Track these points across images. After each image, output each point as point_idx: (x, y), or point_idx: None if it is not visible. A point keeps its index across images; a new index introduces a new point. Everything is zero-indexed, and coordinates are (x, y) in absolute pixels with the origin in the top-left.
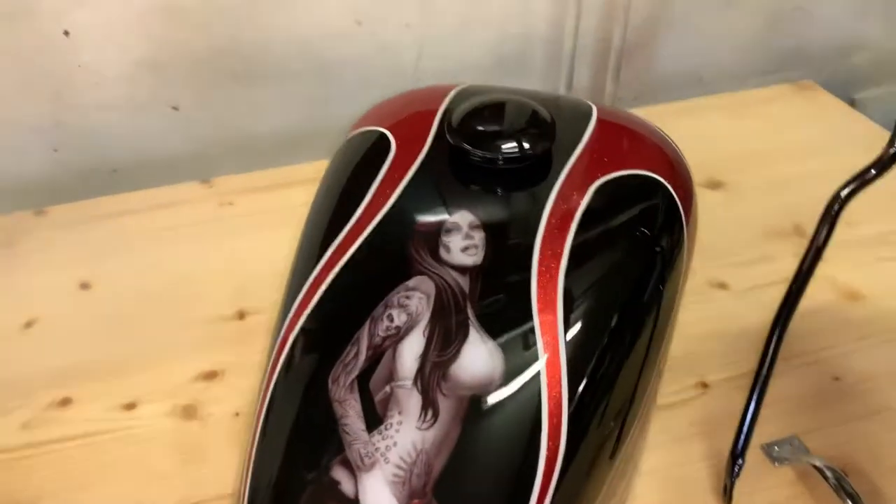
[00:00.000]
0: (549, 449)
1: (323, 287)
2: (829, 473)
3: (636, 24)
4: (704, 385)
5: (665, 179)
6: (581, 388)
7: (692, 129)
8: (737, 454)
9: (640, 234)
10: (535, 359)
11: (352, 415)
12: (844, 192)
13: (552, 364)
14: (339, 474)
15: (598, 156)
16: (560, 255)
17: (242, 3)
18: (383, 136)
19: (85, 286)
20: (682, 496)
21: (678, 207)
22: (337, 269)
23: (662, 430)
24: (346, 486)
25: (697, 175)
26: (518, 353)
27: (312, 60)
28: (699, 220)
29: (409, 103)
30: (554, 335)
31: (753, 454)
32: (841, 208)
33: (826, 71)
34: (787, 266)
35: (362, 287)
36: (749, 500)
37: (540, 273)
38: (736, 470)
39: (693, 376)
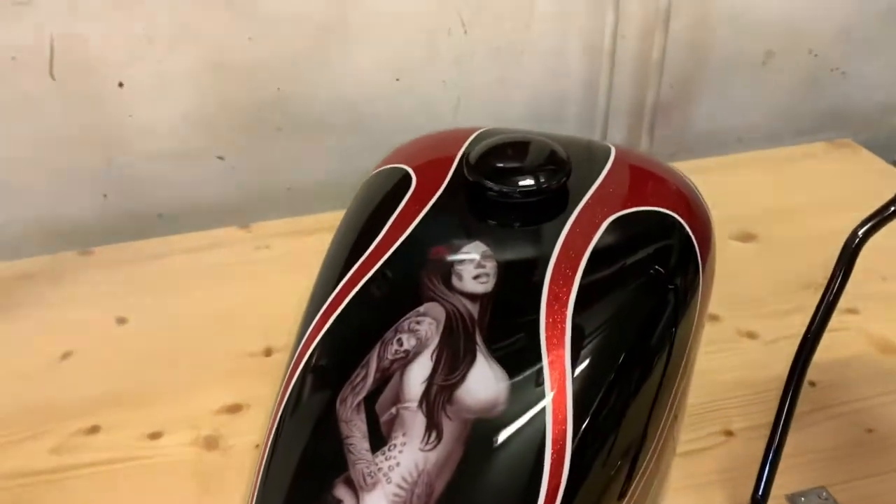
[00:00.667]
0: (551, 476)
1: (336, 312)
2: None
3: (671, 82)
4: (729, 433)
5: (681, 217)
6: (587, 420)
7: (727, 183)
8: (757, 500)
9: (653, 271)
10: (541, 385)
11: (357, 435)
12: (863, 231)
13: (559, 393)
14: (342, 493)
15: (613, 192)
16: (571, 286)
17: (287, 62)
18: (405, 172)
19: (121, 321)
20: None
21: (694, 246)
22: (351, 295)
23: (685, 475)
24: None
25: (730, 227)
26: (523, 379)
27: (352, 114)
28: (730, 271)
29: (432, 143)
30: (561, 365)
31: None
32: (860, 245)
33: (866, 132)
34: None
35: (375, 313)
36: None
37: (549, 303)
38: None
39: (718, 424)
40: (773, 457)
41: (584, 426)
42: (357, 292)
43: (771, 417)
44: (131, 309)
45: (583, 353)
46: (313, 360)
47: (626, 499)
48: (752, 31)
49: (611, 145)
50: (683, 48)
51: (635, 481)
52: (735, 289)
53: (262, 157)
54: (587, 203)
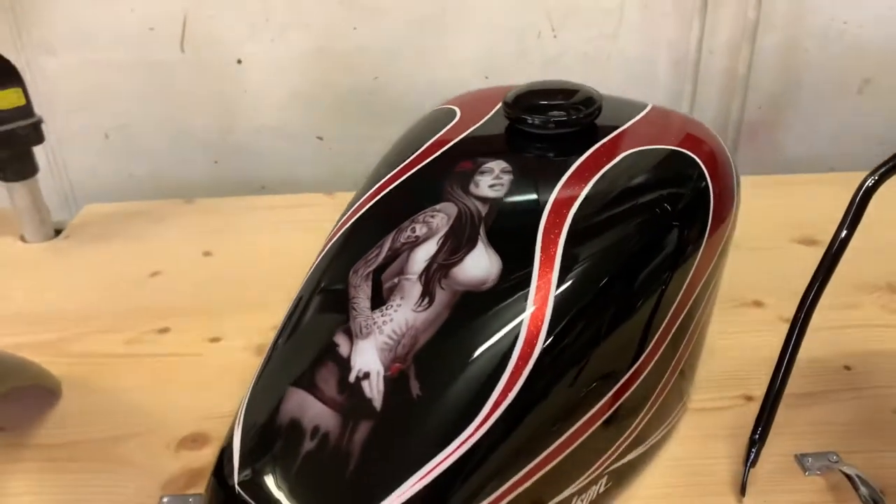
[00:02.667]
0: (524, 347)
1: (365, 209)
2: (861, 486)
3: (760, 103)
4: (748, 398)
5: (702, 162)
6: (565, 317)
7: (800, 196)
8: (754, 440)
9: (659, 205)
10: (529, 274)
11: (361, 297)
12: (872, 179)
13: (543, 284)
14: (340, 339)
15: (638, 133)
16: (574, 200)
17: (387, 53)
18: (451, 110)
19: (207, 254)
20: (694, 485)
21: (709, 192)
22: (379, 196)
23: (694, 427)
24: (343, 349)
25: (794, 232)
26: (514, 266)
27: None
28: (787, 270)
29: (484, 92)
30: (551, 263)
31: (786, 462)
32: (869, 194)
33: None
34: (870, 314)
35: (397, 209)
36: (768, 499)
37: (551, 211)
38: (752, 456)
39: (739, 389)
40: (775, 398)
41: (562, 314)
42: (385, 194)
43: (796, 391)
44: (217, 245)
45: (572, 259)
46: (337, 245)
47: (597, 422)
48: (849, 56)
49: (650, 104)
50: (774, 68)
51: (610, 406)
52: (787, 284)
53: (358, 139)
54: (610, 139)
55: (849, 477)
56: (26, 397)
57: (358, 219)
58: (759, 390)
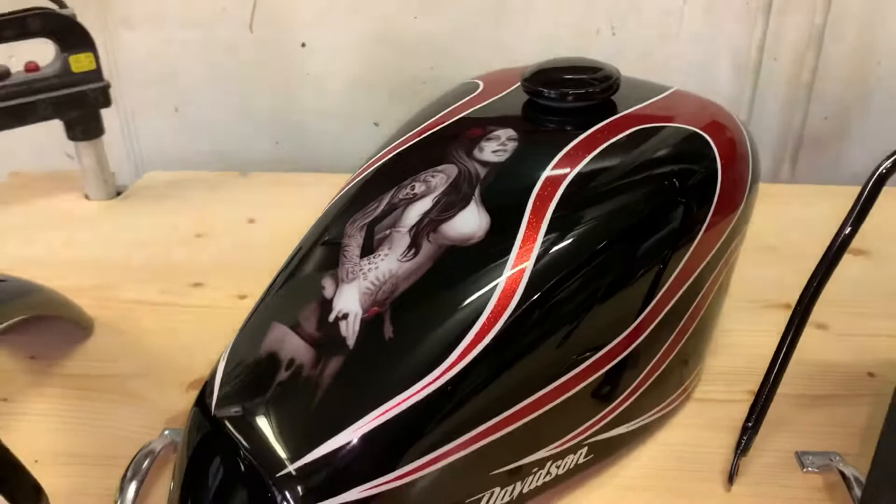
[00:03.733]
0: (496, 305)
1: (373, 168)
2: (856, 488)
3: (826, 114)
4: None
5: (714, 143)
6: (543, 280)
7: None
8: (747, 427)
9: (663, 182)
10: (515, 236)
11: (353, 245)
12: (885, 166)
13: (527, 245)
14: (327, 283)
15: (651, 113)
16: (573, 168)
17: (444, 43)
18: (475, 83)
19: (251, 220)
20: (685, 471)
21: (717, 174)
22: (389, 156)
23: (696, 414)
24: (328, 291)
25: None
26: (502, 226)
27: None
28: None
29: (513, 69)
30: (538, 226)
31: (785, 457)
32: (881, 182)
33: None
34: None
35: (403, 169)
36: (758, 490)
37: (546, 180)
38: (743, 444)
39: (749, 385)
40: (771, 388)
41: (541, 276)
42: (395, 155)
43: (809, 392)
44: (262, 214)
45: (559, 225)
46: (342, 199)
47: (572, 389)
48: None
49: (675, 87)
50: (842, 79)
51: (586, 376)
52: (825, 291)
53: None
54: (622, 116)
55: (845, 477)
56: (59, 331)
57: (365, 176)
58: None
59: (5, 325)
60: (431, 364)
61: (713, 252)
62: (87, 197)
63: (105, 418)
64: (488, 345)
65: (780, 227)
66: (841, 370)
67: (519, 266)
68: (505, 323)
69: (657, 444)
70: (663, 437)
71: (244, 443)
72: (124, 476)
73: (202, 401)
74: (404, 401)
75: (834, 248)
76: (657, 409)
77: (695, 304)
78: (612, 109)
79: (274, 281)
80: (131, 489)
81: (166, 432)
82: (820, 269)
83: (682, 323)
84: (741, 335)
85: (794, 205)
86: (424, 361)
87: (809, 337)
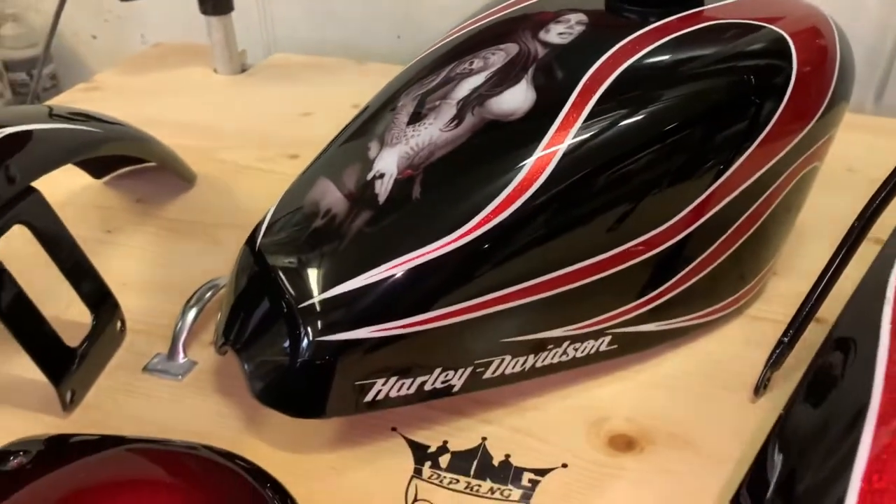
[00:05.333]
0: (523, 180)
1: (444, 41)
2: None
3: None
4: (818, 320)
5: (794, 46)
6: (574, 162)
7: None
8: (782, 341)
9: (716, 73)
10: (553, 119)
11: (403, 113)
12: None
13: (565, 128)
14: (373, 145)
15: (739, 9)
16: (632, 55)
17: None
18: None
19: (355, 106)
20: (717, 378)
21: (791, 75)
22: (460, 32)
23: (744, 330)
24: (372, 153)
25: None
26: (545, 107)
27: None
28: None
29: None
30: (580, 110)
31: None
32: None
33: None
34: None
35: (468, 45)
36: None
37: (604, 63)
38: (774, 357)
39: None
40: (815, 303)
41: (573, 158)
42: (466, 31)
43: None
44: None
45: (603, 111)
46: (408, 71)
47: (594, 276)
48: None
49: None
50: None
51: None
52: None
53: None
54: (701, 10)
55: None
56: (165, 181)
57: (434, 49)
58: (829, 315)
59: (119, 172)
60: (449, 228)
61: (774, 162)
62: (215, 71)
63: (189, 258)
64: (505, 219)
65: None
66: None
67: (552, 148)
68: (526, 201)
69: (693, 351)
70: (703, 346)
71: (280, 275)
72: (187, 302)
73: (251, 239)
74: (419, 257)
75: None
76: (695, 315)
77: (748, 213)
78: (693, 4)
79: (331, 142)
80: (191, 314)
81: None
82: (884, 188)
83: (729, 231)
84: (814, 261)
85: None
86: (442, 224)
87: (866, 257)
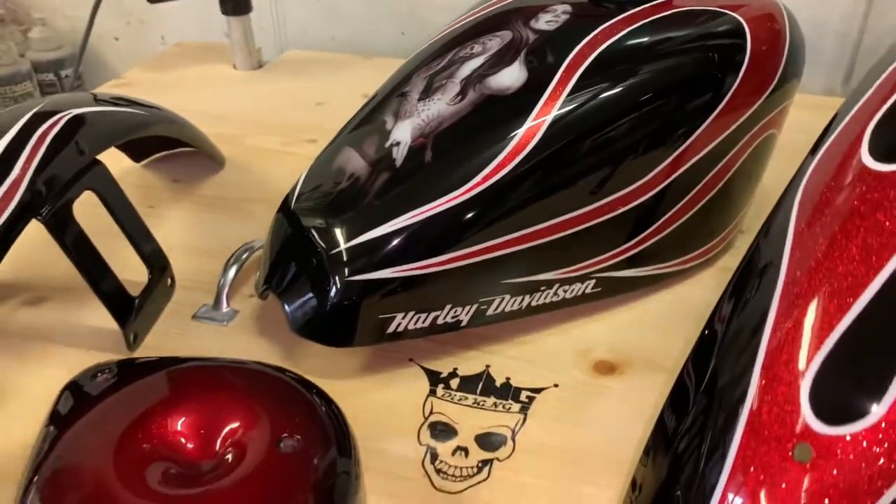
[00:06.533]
0: (518, 143)
1: (447, 31)
2: None
3: None
4: None
5: (748, 28)
6: (561, 126)
7: None
8: None
9: (681, 52)
10: (541, 93)
11: (415, 92)
12: None
13: (551, 101)
14: (389, 118)
15: (701, 1)
16: (607, 38)
17: None
18: None
19: (365, 95)
20: (692, 318)
21: (745, 53)
22: (463, 22)
23: (715, 280)
24: (389, 125)
25: None
26: (535, 83)
27: None
28: None
29: None
30: (564, 84)
31: None
32: None
33: None
34: None
35: (469, 32)
36: None
37: (584, 45)
38: None
39: None
40: None
41: (560, 123)
42: (467, 21)
43: None
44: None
45: (584, 85)
46: (415, 57)
47: (578, 226)
48: None
49: None
50: None
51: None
52: None
53: None
54: (671, 1)
55: None
56: (198, 163)
57: (438, 38)
58: None
59: (155, 157)
60: (456, 185)
61: (734, 128)
62: (234, 67)
63: (224, 228)
64: (503, 177)
65: None
66: None
67: (540, 118)
68: (519, 162)
69: (668, 295)
70: (677, 291)
71: (311, 230)
72: (228, 261)
73: (285, 201)
74: (430, 209)
75: None
76: (669, 263)
77: (713, 173)
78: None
79: (350, 120)
80: (232, 271)
81: (264, 240)
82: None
83: (696, 189)
84: None
85: None
86: (451, 182)
87: None
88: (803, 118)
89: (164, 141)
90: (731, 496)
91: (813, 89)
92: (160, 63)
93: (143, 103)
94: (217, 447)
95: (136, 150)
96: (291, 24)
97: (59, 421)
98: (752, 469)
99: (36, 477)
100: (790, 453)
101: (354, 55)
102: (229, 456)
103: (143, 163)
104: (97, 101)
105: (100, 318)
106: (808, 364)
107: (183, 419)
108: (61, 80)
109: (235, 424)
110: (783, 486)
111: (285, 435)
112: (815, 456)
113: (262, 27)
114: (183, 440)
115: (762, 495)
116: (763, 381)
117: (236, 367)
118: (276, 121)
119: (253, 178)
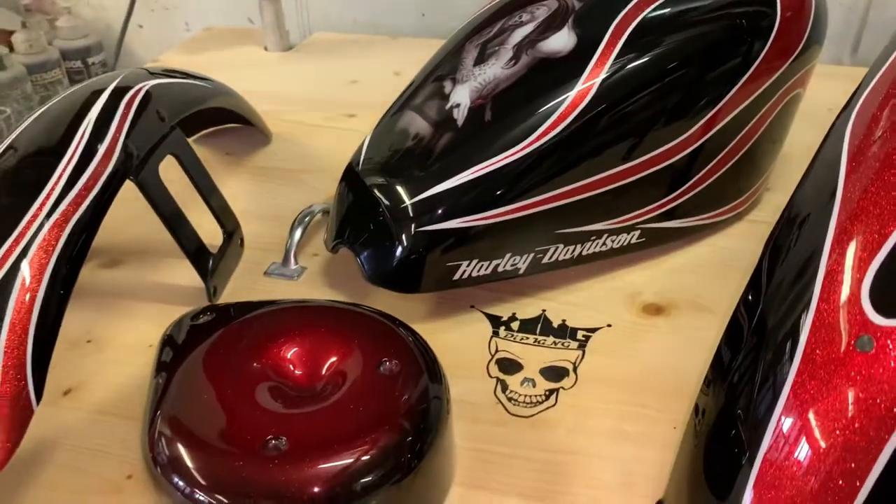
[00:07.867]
0: (572, 102)
1: (494, 3)
2: None
3: None
4: None
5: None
6: (609, 87)
7: None
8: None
9: (719, 17)
10: (590, 57)
11: (468, 58)
12: None
13: (599, 64)
14: (447, 83)
15: None
16: (652, 1)
17: None
18: None
19: (397, 73)
20: (727, 266)
21: (775, 19)
22: None
23: (743, 231)
24: (447, 89)
25: None
26: (583, 47)
27: None
28: None
29: None
30: (612, 48)
31: None
32: None
33: None
34: None
35: (515, 4)
36: None
37: (629, 10)
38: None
39: None
40: None
41: (608, 84)
42: None
43: None
44: (406, 67)
45: (630, 49)
46: (467, 26)
47: (626, 179)
48: None
49: None
50: None
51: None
52: None
53: None
54: None
55: None
56: (247, 137)
57: (483, 11)
58: None
59: (205, 132)
60: (514, 141)
61: (763, 89)
62: (266, 49)
63: (280, 195)
64: (557, 134)
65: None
66: None
67: (591, 81)
68: (572, 121)
69: (706, 245)
70: (713, 240)
71: (379, 187)
72: (292, 225)
73: (350, 166)
74: (490, 165)
75: None
76: (706, 215)
77: (744, 131)
78: None
79: (408, 87)
80: (298, 232)
81: (322, 204)
82: None
83: (730, 146)
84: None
85: None
86: (510, 139)
87: None
88: (811, 86)
89: (215, 115)
90: (803, 383)
91: (822, 59)
92: (192, 47)
93: (198, 76)
94: (323, 372)
95: (190, 125)
96: (314, 9)
97: (174, 350)
98: (818, 358)
99: (159, 411)
100: (852, 345)
101: (379, 36)
102: (334, 380)
103: (194, 138)
104: (152, 74)
105: (174, 276)
106: (868, 267)
107: (290, 349)
108: (88, 68)
109: (337, 352)
110: (851, 374)
111: (385, 359)
112: (877, 346)
113: (287, 13)
114: (291, 367)
115: (831, 381)
116: (826, 284)
117: (327, 305)
118: (314, 98)
119: (301, 150)
